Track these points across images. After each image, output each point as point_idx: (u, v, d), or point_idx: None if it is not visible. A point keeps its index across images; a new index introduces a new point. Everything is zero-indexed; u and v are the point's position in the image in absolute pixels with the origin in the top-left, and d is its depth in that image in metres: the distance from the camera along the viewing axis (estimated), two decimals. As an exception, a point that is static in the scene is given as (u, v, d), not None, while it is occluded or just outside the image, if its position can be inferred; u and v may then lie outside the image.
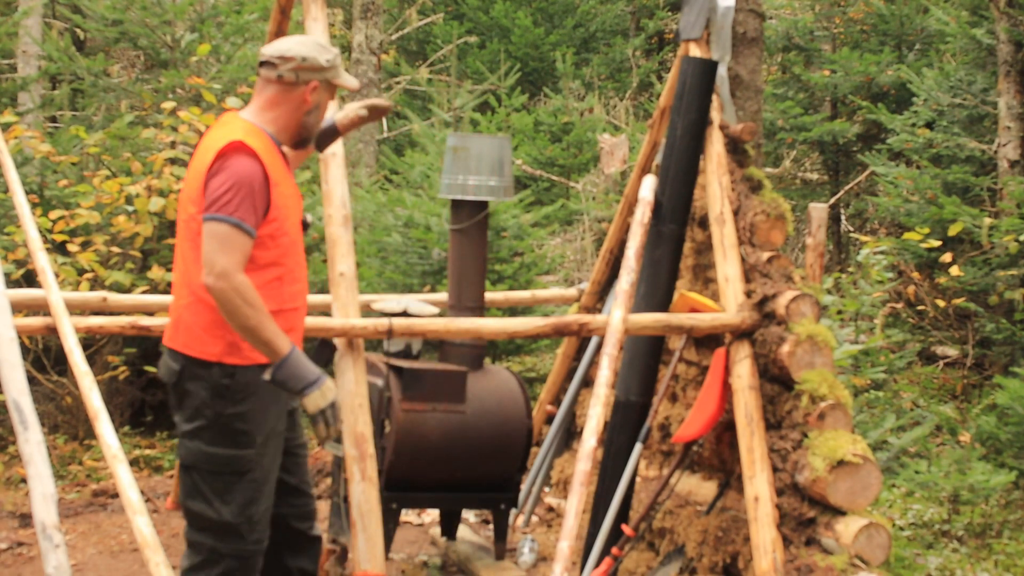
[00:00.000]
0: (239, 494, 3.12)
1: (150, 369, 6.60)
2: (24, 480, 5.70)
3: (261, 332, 2.98)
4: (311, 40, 3.26)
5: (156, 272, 6.41)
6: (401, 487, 4.48)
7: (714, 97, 4.56)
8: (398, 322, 4.14)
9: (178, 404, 3.16)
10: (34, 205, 6.46)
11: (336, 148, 4.29)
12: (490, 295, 5.55)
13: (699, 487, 4.68)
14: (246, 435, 3.11)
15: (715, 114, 4.57)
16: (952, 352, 8.25)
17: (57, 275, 5.91)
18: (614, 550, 4.21)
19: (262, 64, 3.23)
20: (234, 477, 3.11)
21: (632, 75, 15.06)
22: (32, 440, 3.67)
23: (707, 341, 4.62)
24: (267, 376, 3.04)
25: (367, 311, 4.95)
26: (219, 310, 3.00)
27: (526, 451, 4.66)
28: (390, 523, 4.44)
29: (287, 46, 3.20)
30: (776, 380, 4.19)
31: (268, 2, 8.31)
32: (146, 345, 6.69)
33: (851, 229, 10.90)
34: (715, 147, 4.53)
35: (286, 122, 3.21)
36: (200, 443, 3.10)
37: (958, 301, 7.47)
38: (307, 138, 3.30)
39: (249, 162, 3.03)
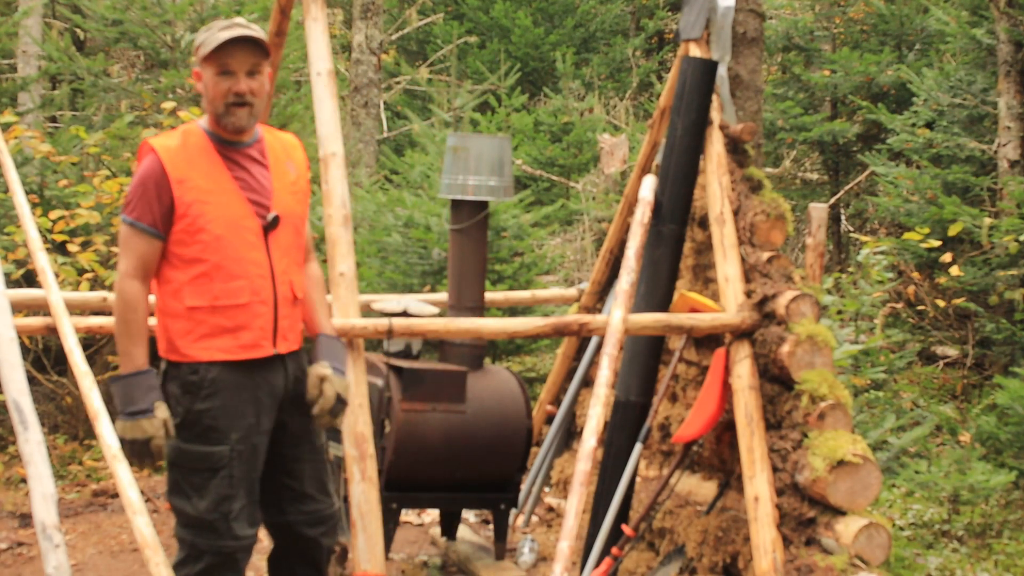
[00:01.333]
0: (213, 490, 3.11)
1: (150, 369, 6.60)
2: (24, 480, 5.70)
3: (119, 342, 3.08)
4: (213, 23, 3.20)
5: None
6: (401, 487, 4.48)
7: (714, 97, 4.56)
8: (398, 322, 4.14)
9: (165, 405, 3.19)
10: (34, 205, 6.46)
11: (336, 148, 4.30)
12: (490, 295, 5.55)
13: (699, 487, 4.68)
14: (216, 431, 3.10)
15: (715, 114, 4.57)
16: (952, 352, 8.26)
17: (57, 275, 5.91)
18: (614, 550, 4.21)
19: None
20: (208, 473, 3.11)
21: (632, 75, 15.06)
22: (32, 440, 3.68)
23: (707, 341, 4.62)
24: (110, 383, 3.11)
25: (367, 311, 4.95)
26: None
27: (526, 451, 4.66)
28: (390, 523, 4.44)
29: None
30: (776, 380, 4.19)
31: (268, 2, 8.31)
32: (146, 345, 6.68)
33: (851, 229, 10.90)
34: (715, 147, 4.53)
35: (210, 112, 3.19)
36: (178, 440, 3.12)
37: (958, 301, 7.47)
38: (226, 123, 3.13)
39: (148, 160, 3.09)
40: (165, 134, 3.19)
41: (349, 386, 3.13)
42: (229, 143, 3.18)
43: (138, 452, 3.05)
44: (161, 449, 3.05)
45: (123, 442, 3.08)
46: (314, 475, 3.35)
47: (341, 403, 3.21)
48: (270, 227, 3.17)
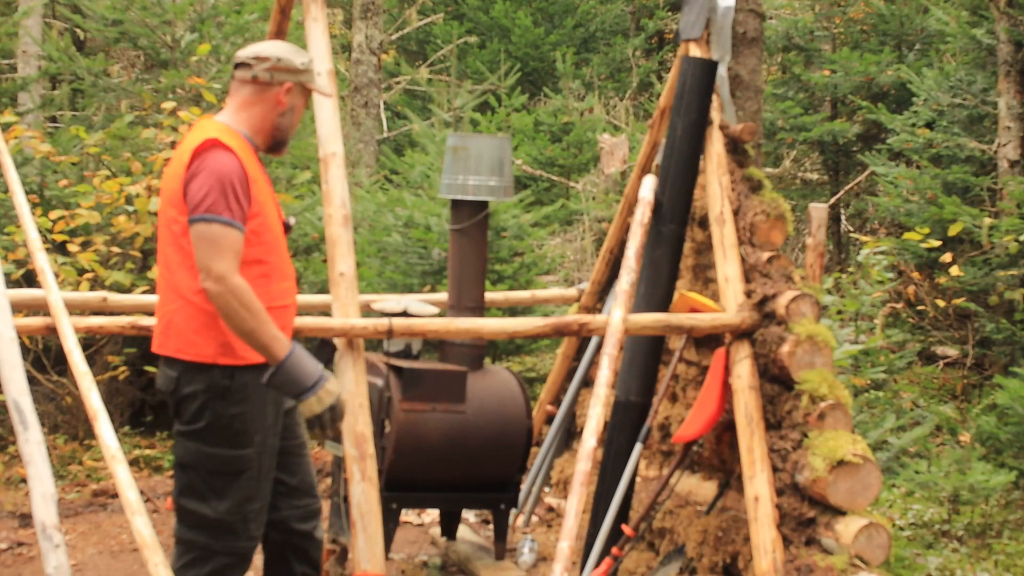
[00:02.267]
0: (236, 492, 3.12)
1: (150, 369, 6.60)
2: (24, 480, 5.70)
3: (259, 336, 2.99)
4: (286, 44, 3.27)
5: (156, 272, 6.39)
6: (401, 487, 4.48)
7: (714, 97, 4.56)
8: (398, 322, 4.14)
9: (176, 409, 3.16)
10: (34, 205, 6.46)
11: (336, 148, 4.30)
12: (490, 295, 5.55)
13: (699, 487, 4.68)
14: (245, 435, 3.11)
15: (715, 114, 4.57)
16: (952, 352, 8.26)
17: (57, 275, 5.91)
18: (614, 550, 4.21)
19: (237, 66, 3.24)
20: (231, 476, 3.12)
21: (632, 75, 15.06)
22: (32, 440, 3.67)
23: (707, 341, 4.62)
24: (264, 380, 3.04)
25: (367, 311, 4.95)
26: (218, 314, 3.00)
27: (526, 451, 4.65)
28: (390, 523, 4.44)
29: (262, 47, 3.22)
30: (776, 380, 4.19)
31: (268, 2, 8.31)
32: (146, 345, 6.62)
33: (851, 229, 10.90)
34: (715, 147, 4.53)
35: (260, 123, 3.22)
36: (199, 443, 3.10)
37: (958, 301, 7.47)
38: (281, 141, 3.29)
39: (227, 157, 3.04)
40: (220, 133, 3.12)
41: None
42: (258, 150, 3.27)
43: (324, 424, 3.05)
44: (345, 406, 3.10)
45: (310, 422, 3.06)
46: (304, 470, 3.37)
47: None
48: (288, 230, 3.32)
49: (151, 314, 4.82)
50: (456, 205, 4.75)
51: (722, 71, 4.65)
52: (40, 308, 4.47)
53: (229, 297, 2.95)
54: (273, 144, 3.29)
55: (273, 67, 3.19)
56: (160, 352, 3.18)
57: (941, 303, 7.86)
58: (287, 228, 3.32)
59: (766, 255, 4.36)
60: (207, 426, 3.09)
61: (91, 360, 6.21)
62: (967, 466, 5.37)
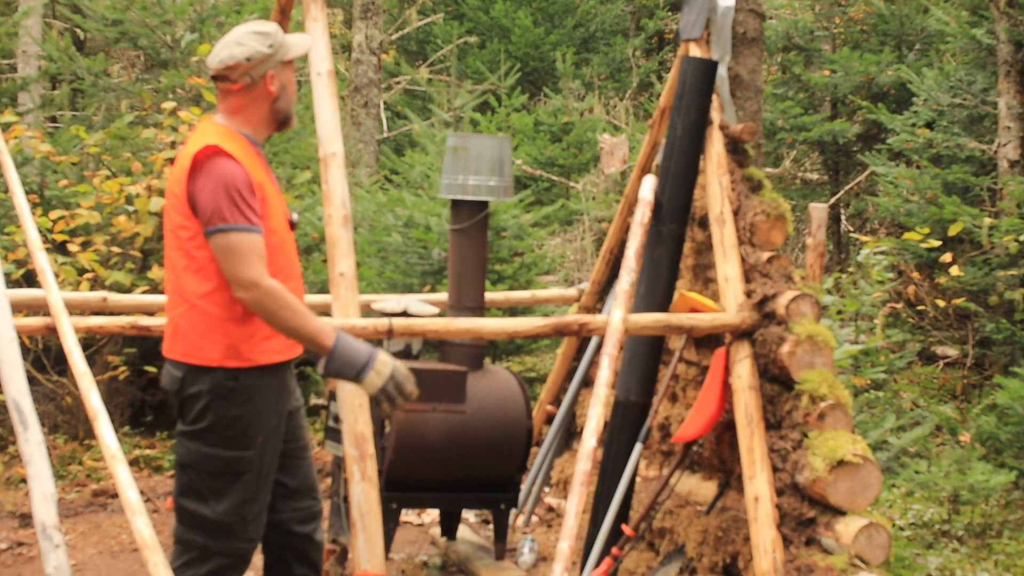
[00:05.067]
0: (236, 493, 3.12)
1: (150, 369, 6.60)
2: (24, 480, 5.70)
3: (304, 330, 3.02)
4: (245, 33, 3.18)
5: (156, 272, 6.40)
6: (401, 487, 4.48)
7: (714, 97, 4.56)
8: (398, 322, 4.14)
9: (180, 410, 3.16)
10: (34, 205, 6.46)
11: (336, 148, 4.30)
12: (490, 295, 5.54)
13: (699, 487, 4.68)
14: (247, 437, 3.12)
15: (715, 114, 4.57)
16: (952, 352, 8.26)
17: (57, 275, 5.91)
18: (614, 550, 4.21)
19: (214, 79, 3.21)
20: (232, 477, 3.12)
21: (632, 75, 15.06)
22: (32, 440, 3.67)
23: (707, 341, 4.61)
24: (320, 370, 3.05)
25: (367, 311, 4.95)
26: (260, 317, 3.04)
27: (526, 451, 4.65)
28: (390, 523, 4.44)
29: (226, 54, 3.15)
30: (776, 380, 4.19)
31: (268, 2, 8.31)
32: (146, 345, 6.69)
33: (851, 229, 10.90)
34: (715, 147, 4.53)
35: (259, 118, 3.21)
36: (200, 444, 3.10)
37: (958, 301, 7.47)
38: (285, 119, 3.28)
39: (229, 164, 3.04)
40: (221, 137, 3.11)
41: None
42: (259, 146, 3.24)
43: (391, 396, 3.06)
44: (405, 372, 3.09)
45: (376, 398, 3.07)
46: (306, 472, 3.37)
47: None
48: (293, 227, 3.29)
49: (151, 314, 4.82)
50: (456, 205, 4.75)
51: (722, 71, 4.65)
52: (40, 308, 4.47)
53: (266, 301, 2.98)
54: (279, 125, 3.28)
55: (247, 68, 3.15)
56: (169, 356, 3.18)
57: (941, 303, 7.86)
58: (292, 225, 3.30)
59: (766, 255, 4.36)
60: (209, 427, 3.09)
61: (91, 360, 6.21)
62: (967, 466, 5.37)
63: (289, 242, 3.26)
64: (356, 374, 3.04)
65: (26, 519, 5.31)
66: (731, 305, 4.27)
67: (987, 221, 7.08)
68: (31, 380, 5.40)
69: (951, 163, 8.48)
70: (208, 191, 3.01)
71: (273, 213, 3.16)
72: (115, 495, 5.74)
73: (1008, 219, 6.99)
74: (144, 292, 6.27)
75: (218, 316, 3.08)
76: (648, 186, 4.52)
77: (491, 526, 5.01)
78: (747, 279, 4.34)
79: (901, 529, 5.24)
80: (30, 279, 5.93)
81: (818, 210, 5.22)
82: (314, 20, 4.46)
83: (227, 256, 2.99)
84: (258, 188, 3.09)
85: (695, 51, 4.65)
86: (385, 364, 3.07)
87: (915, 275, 8.34)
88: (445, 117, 10.31)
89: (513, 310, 6.88)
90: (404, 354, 4.66)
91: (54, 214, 6.41)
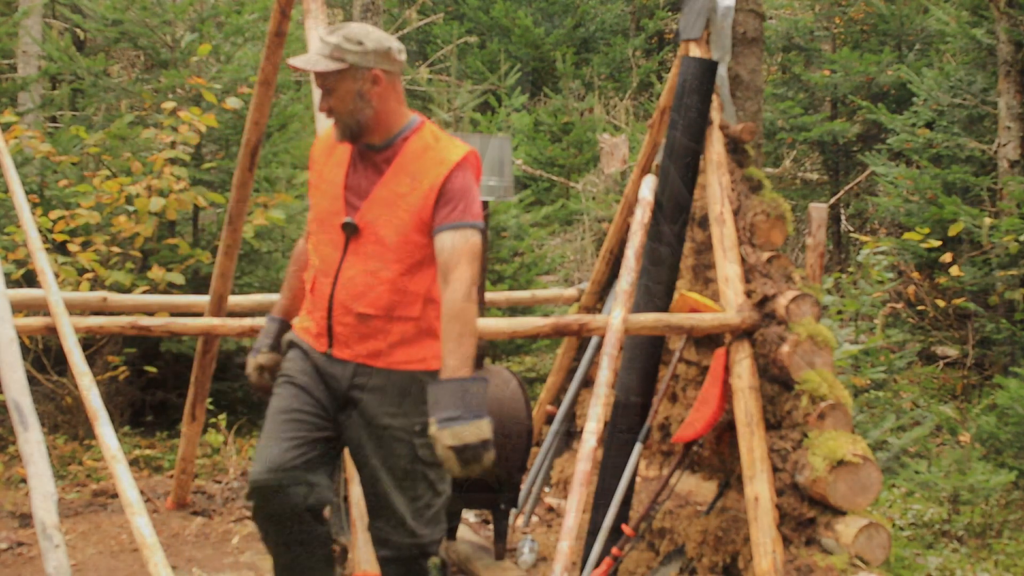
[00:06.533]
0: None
1: (150, 369, 6.60)
2: (24, 480, 5.70)
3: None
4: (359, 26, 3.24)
5: (156, 272, 6.40)
6: (401, 487, 4.47)
7: (714, 97, 4.56)
8: (398, 322, 4.13)
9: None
10: (34, 205, 6.46)
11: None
12: (490, 295, 5.55)
13: (699, 487, 4.68)
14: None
15: (715, 114, 4.57)
16: (952, 352, 8.26)
17: (57, 275, 5.91)
18: (614, 550, 4.21)
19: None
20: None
21: (632, 75, 15.06)
22: (32, 440, 3.67)
23: (707, 341, 4.62)
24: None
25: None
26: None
27: (526, 451, 4.65)
28: (390, 523, 4.43)
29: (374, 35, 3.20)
30: (776, 380, 4.19)
31: (268, 2, 8.30)
32: (146, 345, 6.69)
33: (851, 229, 10.90)
34: (715, 147, 4.53)
35: None
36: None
37: (958, 301, 7.48)
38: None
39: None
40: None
41: (474, 429, 2.86)
42: (360, 144, 3.20)
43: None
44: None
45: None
46: (373, 492, 3.30)
47: (466, 451, 2.87)
48: (348, 230, 3.12)
49: (151, 314, 4.82)
50: (456, 205, 4.75)
51: (722, 71, 4.65)
52: (40, 308, 4.47)
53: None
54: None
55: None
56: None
57: (941, 303, 7.86)
58: (345, 226, 3.14)
59: (766, 255, 4.36)
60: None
61: (91, 360, 6.21)
62: (967, 466, 5.37)
63: (324, 233, 3.23)
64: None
65: (26, 519, 5.31)
66: (731, 305, 4.27)
67: (987, 221, 7.08)
68: (31, 380, 5.40)
69: (951, 163, 8.49)
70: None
71: (315, 195, 3.25)
72: (115, 495, 5.74)
73: (1008, 219, 6.99)
74: (144, 292, 6.27)
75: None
76: (648, 186, 4.52)
77: (491, 526, 5.01)
78: (747, 279, 4.35)
79: (901, 529, 5.24)
80: (30, 279, 5.93)
81: (818, 210, 5.21)
82: (314, 20, 4.46)
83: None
84: (312, 164, 3.29)
85: (695, 51, 4.65)
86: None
87: (915, 275, 8.35)
88: (445, 117, 10.32)
89: (513, 310, 6.88)
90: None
91: (54, 214, 6.41)
